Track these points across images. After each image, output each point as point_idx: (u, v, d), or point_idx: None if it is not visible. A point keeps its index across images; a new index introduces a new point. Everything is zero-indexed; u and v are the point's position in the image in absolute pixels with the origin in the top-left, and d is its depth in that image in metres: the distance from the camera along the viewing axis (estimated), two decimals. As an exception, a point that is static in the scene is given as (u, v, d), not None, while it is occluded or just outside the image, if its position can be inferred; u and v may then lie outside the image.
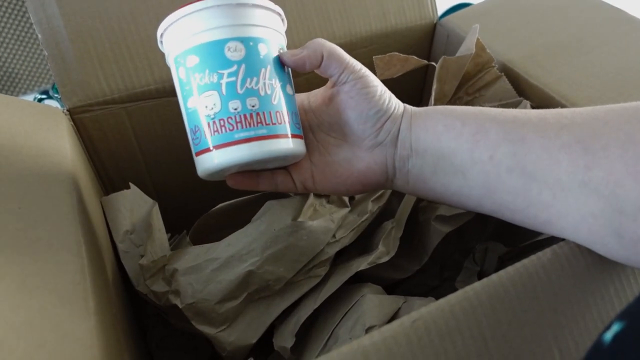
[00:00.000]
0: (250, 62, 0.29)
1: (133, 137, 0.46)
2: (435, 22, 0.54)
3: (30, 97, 0.92)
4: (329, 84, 0.33)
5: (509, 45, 0.47)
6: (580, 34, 0.47)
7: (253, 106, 0.29)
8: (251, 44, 0.29)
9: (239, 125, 0.28)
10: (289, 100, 0.31)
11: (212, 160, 0.29)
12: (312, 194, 0.39)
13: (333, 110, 0.32)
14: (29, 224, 0.27)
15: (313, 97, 0.34)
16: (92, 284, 0.26)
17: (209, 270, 0.34)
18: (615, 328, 0.18)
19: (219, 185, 0.36)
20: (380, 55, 0.42)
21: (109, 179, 0.48)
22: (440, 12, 0.56)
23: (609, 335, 0.18)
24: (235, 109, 0.29)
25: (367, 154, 0.32)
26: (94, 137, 0.44)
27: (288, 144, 0.30)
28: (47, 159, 0.33)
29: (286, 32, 0.33)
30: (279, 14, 0.32)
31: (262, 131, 0.29)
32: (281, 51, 0.31)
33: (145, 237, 0.36)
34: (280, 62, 0.31)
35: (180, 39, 0.30)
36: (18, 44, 0.92)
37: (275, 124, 0.29)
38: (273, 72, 0.30)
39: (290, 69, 0.32)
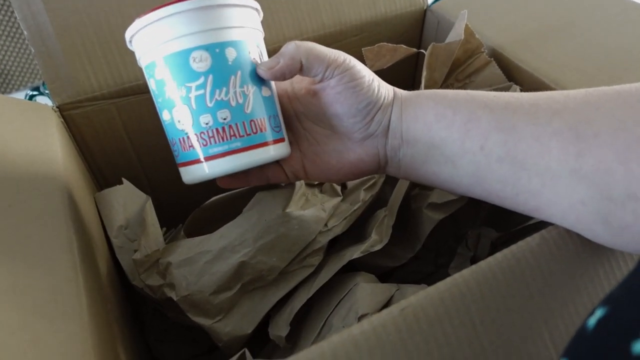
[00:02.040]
0: (218, 72, 0.27)
1: (124, 132, 0.46)
2: (425, 8, 0.53)
3: (22, 94, 0.92)
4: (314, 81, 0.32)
5: (498, 30, 0.47)
6: (570, 17, 0.46)
7: (224, 119, 0.28)
8: (217, 50, 0.27)
9: (212, 140, 0.28)
10: (266, 103, 0.30)
11: (191, 173, 0.29)
12: (304, 184, 0.39)
13: (319, 103, 0.31)
14: (19, 222, 0.27)
15: (297, 85, 0.33)
16: (85, 280, 0.26)
17: (202, 262, 0.34)
18: (599, 313, 0.18)
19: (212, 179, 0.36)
20: (369, 47, 0.42)
21: (101, 175, 0.48)
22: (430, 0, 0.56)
23: (592, 321, 0.18)
24: (207, 124, 0.27)
25: (358, 146, 0.32)
26: (84, 133, 0.44)
27: (266, 153, 0.29)
28: (37, 157, 0.33)
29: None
30: (251, 7, 0.30)
31: (236, 144, 0.28)
32: (257, 47, 0.30)
33: (140, 231, 0.36)
34: (254, 64, 0.29)
35: (147, 49, 0.28)
36: (9, 41, 0.92)
37: (250, 134, 0.28)
38: (245, 76, 0.28)
39: None
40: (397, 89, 0.32)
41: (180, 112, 0.28)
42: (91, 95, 0.43)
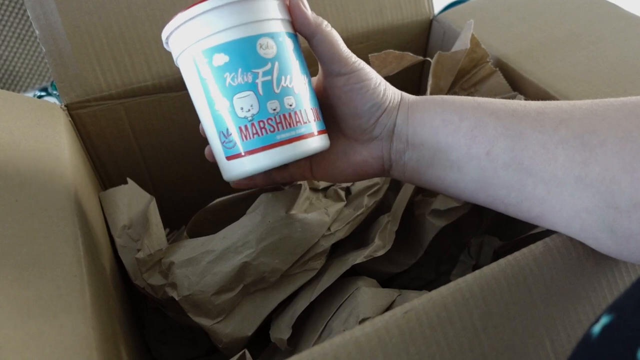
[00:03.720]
0: (283, 59, 0.28)
1: (130, 133, 0.46)
2: (431, 18, 0.54)
3: (30, 95, 0.92)
4: (321, 73, 0.32)
5: (504, 40, 0.48)
6: (576, 29, 0.47)
7: (290, 105, 0.28)
8: (281, 39, 0.28)
9: (279, 126, 0.27)
10: (315, 96, 0.30)
11: (250, 164, 0.28)
12: (308, 188, 0.39)
13: (327, 103, 0.32)
14: (26, 216, 0.27)
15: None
16: (89, 275, 0.26)
17: (205, 263, 0.34)
18: (604, 321, 0.18)
19: (216, 180, 0.36)
20: (375, 54, 0.42)
21: (106, 174, 0.48)
22: (438, 9, 0.56)
23: (597, 328, 0.18)
24: (274, 110, 0.27)
25: (364, 148, 0.32)
26: (91, 133, 0.45)
27: (322, 141, 0.29)
28: (44, 154, 0.33)
29: None
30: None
31: (301, 130, 0.28)
32: (299, 42, 0.30)
33: (143, 231, 0.36)
34: (301, 58, 0.30)
35: (201, 36, 0.27)
36: (19, 42, 0.93)
37: (310, 121, 0.29)
38: (301, 68, 0.29)
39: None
40: (404, 93, 0.32)
41: (245, 99, 0.27)
42: (99, 95, 0.43)
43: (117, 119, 0.45)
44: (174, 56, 0.30)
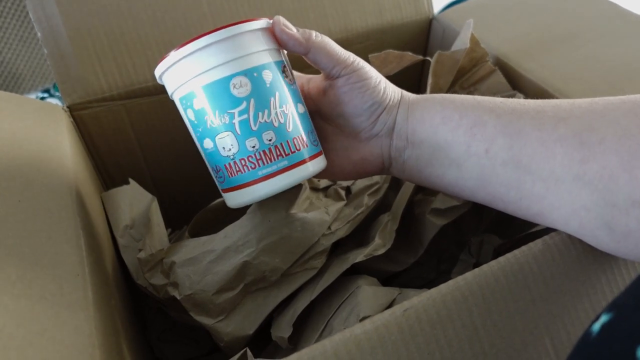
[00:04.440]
0: (259, 95, 0.28)
1: (132, 133, 0.47)
2: (431, 17, 0.54)
3: (32, 96, 0.93)
4: (322, 75, 0.33)
5: (503, 39, 0.48)
6: (575, 28, 0.47)
7: (270, 140, 0.28)
8: (255, 74, 0.28)
9: (259, 162, 0.28)
10: (303, 119, 0.30)
11: (241, 196, 0.29)
12: (308, 188, 0.39)
13: (327, 102, 0.32)
14: (28, 217, 0.28)
15: (313, 83, 0.34)
16: (91, 275, 0.27)
17: (206, 262, 0.34)
18: (603, 319, 0.18)
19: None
20: (375, 54, 0.42)
21: (108, 175, 0.48)
22: (437, 8, 0.56)
23: (597, 326, 0.18)
24: (254, 147, 0.28)
25: (363, 145, 0.32)
26: (93, 134, 0.45)
27: (312, 168, 0.30)
28: (47, 155, 0.34)
29: None
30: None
31: (284, 163, 0.28)
32: (286, 64, 0.30)
33: (145, 231, 0.37)
34: (288, 83, 0.30)
35: (182, 81, 0.28)
36: (21, 44, 0.93)
37: (294, 151, 0.29)
38: (283, 96, 0.29)
39: (297, 85, 0.31)
40: (404, 92, 0.32)
41: (225, 139, 0.28)
42: (101, 97, 0.43)
43: (119, 120, 0.45)
44: (168, 93, 0.31)
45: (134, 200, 0.39)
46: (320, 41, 0.30)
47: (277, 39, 0.30)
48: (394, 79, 0.42)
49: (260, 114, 0.28)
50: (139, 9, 0.43)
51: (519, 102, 0.29)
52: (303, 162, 0.29)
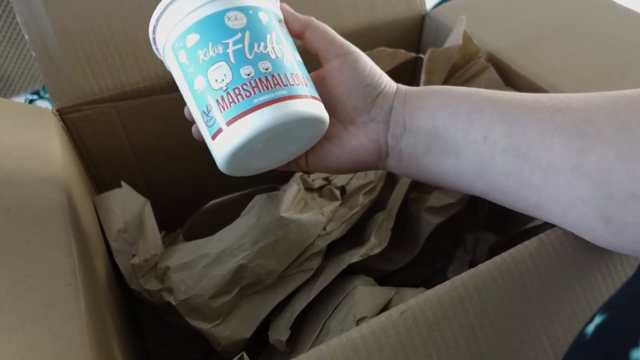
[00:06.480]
0: (254, 29, 0.27)
1: (124, 136, 0.46)
2: (423, 14, 0.54)
3: (22, 98, 0.92)
4: (320, 61, 0.32)
5: (496, 35, 0.48)
6: (567, 22, 0.47)
7: (266, 69, 0.27)
8: (251, 12, 0.27)
9: (255, 89, 0.26)
10: (302, 65, 0.29)
11: (233, 134, 0.26)
12: (302, 188, 0.39)
13: (325, 88, 0.32)
14: (19, 225, 0.27)
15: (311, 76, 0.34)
16: (84, 284, 0.26)
17: (201, 266, 0.34)
18: (597, 320, 0.18)
19: (211, 181, 0.36)
20: (368, 52, 0.42)
21: (100, 178, 0.48)
22: (430, 5, 0.56)
23: (591, 328, 0.18)
24: (249, 75, 0.26)
25: (360, 131, 0.32)
26: (84, 137, 0.44)
27: (313, 105, 0.28)
28: (37, 160, 0.33)
29: None
30: None
31: (282, 92, 0.26)
32: (281, 20, 0.30)
33: (138, 235, 0.36)
34: (285, 32, 0.29)
35: (174, 24, 0.28)
36: (9, 46, 0.92)
37: (293, 84, 0.27)
38: (280, 37, 0.28)
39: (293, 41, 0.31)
40: (400, 84, 0.32)
41: (218, 70, 0.26)
42: (91, 99, 0.43)
43: (110, 122, 0.45)
44: (161, 55, 0.30)
45: (126, 204, 0.39)
46: (319, 22, 0.31)
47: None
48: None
49: (256, 44, 0.27)
50: (128, 10, 0.43)
51: (516, 94, 0.29)
52: (305, 96, 0.27)
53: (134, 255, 0.35)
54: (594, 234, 0.26)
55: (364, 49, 0.43)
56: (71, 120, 0.43)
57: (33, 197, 0.30)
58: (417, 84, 0.45)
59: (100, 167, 0.47)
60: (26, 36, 0.41)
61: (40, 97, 0.82)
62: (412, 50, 0.48)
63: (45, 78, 0.42)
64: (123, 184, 0.39)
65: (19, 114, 0.37)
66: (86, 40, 0.42)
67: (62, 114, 0.42)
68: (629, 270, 0.29)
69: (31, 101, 0.83)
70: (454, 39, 0.43)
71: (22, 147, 0.34)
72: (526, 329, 0.26)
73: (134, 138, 0.47)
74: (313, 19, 0.31)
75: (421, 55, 0.44)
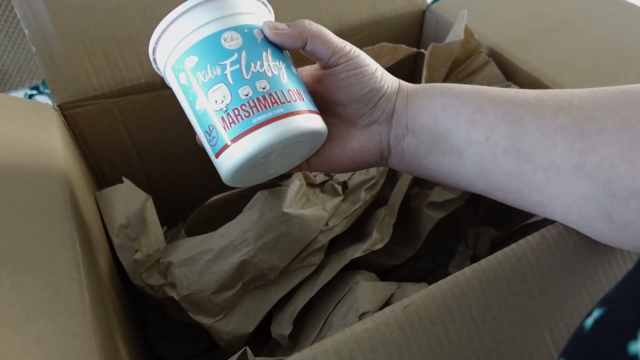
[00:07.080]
0: (250, 48, 0.28)
1: (125, 131, 0.46)
2: (424, 8, 0.54)
3: (21, 93, 0.91)
4: (317, 65, 0.32)
5: (497, 29, 0.47)
6: (568, 17, 0.47)
7: (264, 88, 0.27)
8: (246, 31, 0.28)
9: (254, 109, 0.27)
10: (298, 80, 0.30)
11: (235, 153, 0.27)
12: (305, 184, 0.39)
13: (323, 90, 0.31)
14: (22, 221, 0.27)
15: (305, 73, 0.33)
16: (87, 279, 0.26)
17: (203, 262, 0.34)
18: (596, 314, 0.18)
19: (213, 176, 0.36)
20: (369, 47, 0.42)
21: (102, 174, 0.48)
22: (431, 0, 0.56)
23: (589, 321, 0.18)
24: (247, 95, 0.27)
25: (362, 133, 0.31)
26: (85, 133, 0.44)
27: (311, 120, 0.28)
28: (38, 156, 0.33)
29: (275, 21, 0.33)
30: (264, 4, 0.31)
31: (280, 110, 0.27)
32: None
33: (140, 230, 0.36)
34: (277, 47, 0.30)
35: (173, 46, 0.28)
36: (7, 40, 0.91)
37: (290, 101, 0.28)
38: (275, 54, 0.29)
39: (289, 55, 0.31)
40: (402, 81, 0.32)
41: (217, 91, 0.27)
42: (92, 94, 0.43)
43: (111, 118, 0.44)
44: (162, 74, 0.31)
45: (128, 199, 0.39)
46: (315, 29, 0.30)
47: (270, 38, 0.29)
48: (389, 71, 0.42)
49: (252, 64, 0.28)
50: (129, 5, 0.42)
51: (518, 92, 0.28)
52: (302, 112, 0.28)
53: (136, 251, 0.35)
54: (596, 231, 0.26)
55: (365, 44, 0.43)
56: (72, 116, 0.43)
57: (36, 193, 0.30)
58: (419, 79, 0.45)
59: (101, 163, 0.47)
60: (26, 31, 0.41)
61: (40, 92, 0.82)
62: (412, 45, 0.48)
63: (45, 73, 0.42)
64: (125, 179, 0.39)
65: (20, 109, 0.37)
66: (86, 35, 0.42)
67: (63, 109, 0.42)
68: (630, 264, 0.29)
69: (30, 96, 0.82)
70: (455, 34, 0.43)
71: (24, 143, 0.34)
72: (528, 323, 0.26)
73: (135, 134, 0.47)
74: (307, 24, 0.30)
75: (422, 51, 0.44)
